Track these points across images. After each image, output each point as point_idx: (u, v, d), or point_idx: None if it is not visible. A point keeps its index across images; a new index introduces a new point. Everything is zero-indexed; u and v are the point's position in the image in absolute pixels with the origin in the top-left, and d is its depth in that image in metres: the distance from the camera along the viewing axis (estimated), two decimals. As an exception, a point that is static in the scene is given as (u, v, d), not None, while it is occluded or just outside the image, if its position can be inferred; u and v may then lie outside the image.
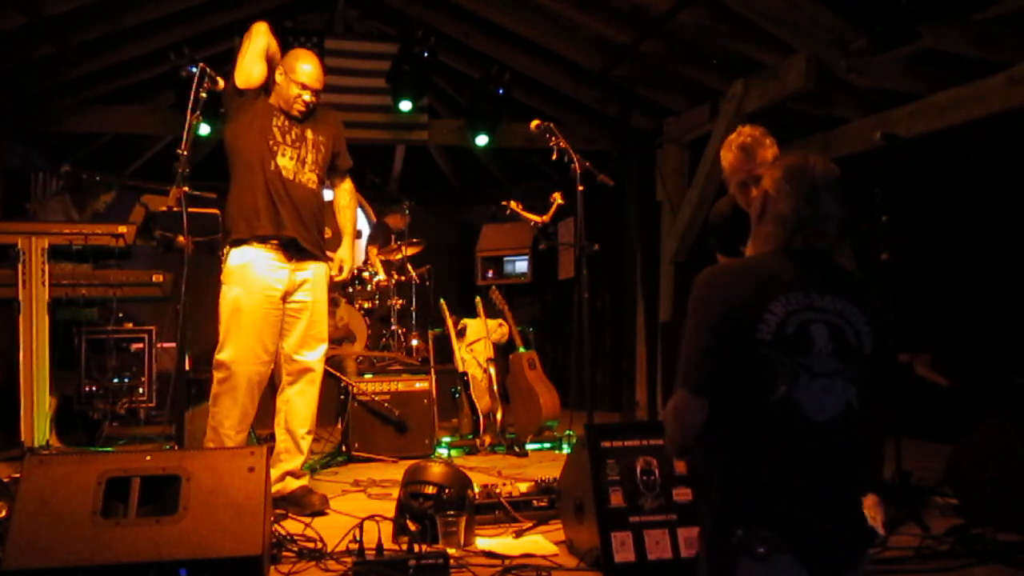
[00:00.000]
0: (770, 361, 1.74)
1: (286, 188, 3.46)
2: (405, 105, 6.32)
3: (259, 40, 3.51)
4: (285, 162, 3.47)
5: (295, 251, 3.49)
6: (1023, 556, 2.71)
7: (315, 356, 3.56)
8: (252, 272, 3.41)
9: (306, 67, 3.50)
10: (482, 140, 6.67)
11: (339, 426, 5.04)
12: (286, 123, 3.52)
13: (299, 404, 3.54)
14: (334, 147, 3.69)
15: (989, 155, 4.82)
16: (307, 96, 3.50)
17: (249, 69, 3.48)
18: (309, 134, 3.56)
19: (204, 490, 2.39)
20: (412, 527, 2.79)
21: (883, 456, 3.20)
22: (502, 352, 5.83)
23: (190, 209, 3.08)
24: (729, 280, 1.85)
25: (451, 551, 2.69)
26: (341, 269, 3.74)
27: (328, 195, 3.85)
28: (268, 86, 3.56)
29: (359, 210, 8.74)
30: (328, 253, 3.72)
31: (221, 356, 3.39)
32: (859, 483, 1.84)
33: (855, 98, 5.18)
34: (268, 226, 3.42)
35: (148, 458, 2.51)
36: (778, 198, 1.91)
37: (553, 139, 4.04)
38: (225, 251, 3.47)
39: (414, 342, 6.52)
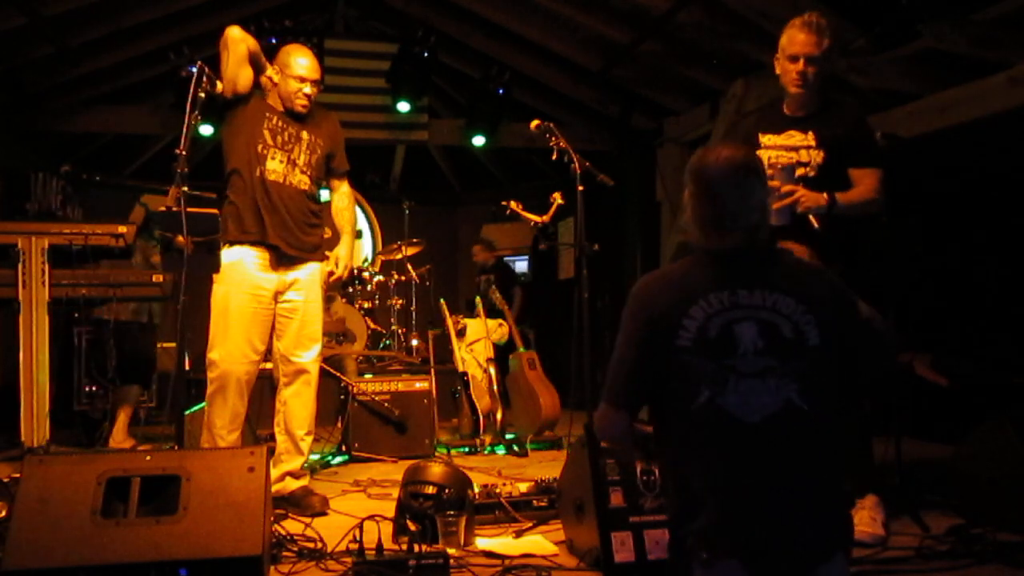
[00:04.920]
0: (691, 368, 1.70)
1: (275, 193, 3.44)
2: (403, 106, 6.32)
3: (238, 48, 3.43)
4: (275, 165, 3.46)
5: (281, 257, 3.49)
6: (1023, 556, 2.71)
7: (309, 356, 3.56)
8: (241, 271, 3.42)
9: (302, 60, 3.48)
10: (479, 141, 6.68)
11: (339, 426, 5.04)
12: (280, 123, 3.49)
13: (296, 406, 3.54)
14: (331, 148, 3.66)
15: (989, 155, 4.82)
16: (307, 88, 3.48)
17: (234, 78, 3.42)
18: (304, 135, 3.54)
19: (204, 490, 2.39)
20: (412, 527, 2.79)
21: (871, 454, 3.18)
22: (502, 352, 5.84)
23: (189, 209, 3.07)
24: (651, 291, 1.82)
25: (451, 551, 2.69)
26: (337, 268, 3.69)
27: (325, 195, 3.84)
28: (262, 86, 3.54)
29: (359, 211, 8.80)
30: (327, 252, 3.72)
31: (211, 355, 3.41)
32: (815, 483, 1.72)
33: (855, 98, 5.18)
34: (254, 232, 3.44)
35: (148, 458, 2.51)
36: (689, 201, 1.88)
37: (553, 139, 4.04)
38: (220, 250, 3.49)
39: (414, 342, 6.53)
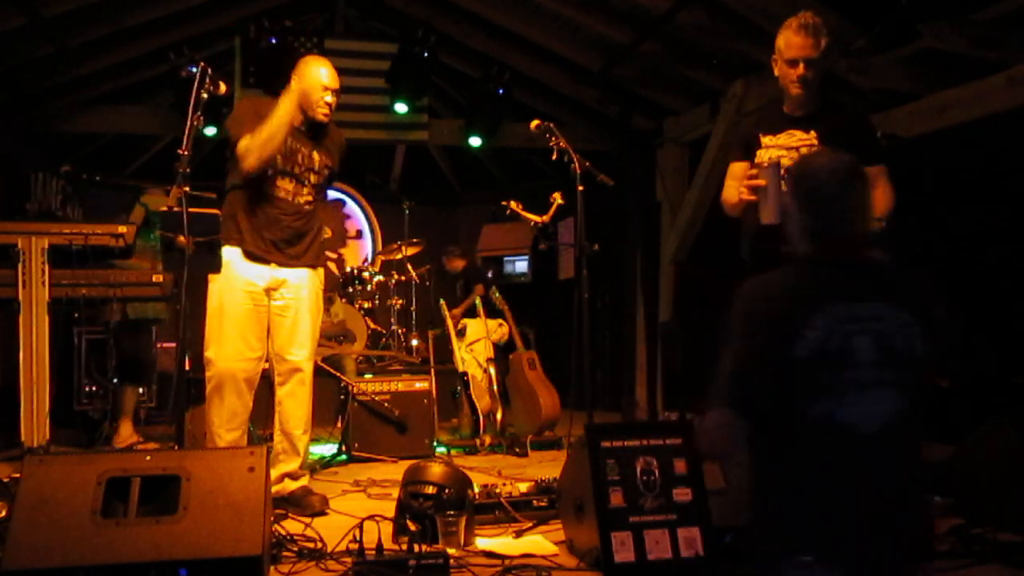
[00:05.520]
0: (810, 378, 1.72)
1: (280, 209, 3.48)
2: (401, 107, 6.32)
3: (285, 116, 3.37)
4: (284, 183, 3.49)
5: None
6: (1023, 556, 2.72)
7: (303, 355, 3.56)
8: (234, 269, 3.44)
9: (322, 69, 3.50)
10: (476, 141, 6.67)
11: (339, 426, 5.04)
12: (293, 144, 3.48)
13: (291, 405, 3.55)
14: (335, 167, 3.70)
15: (989, 155, 4.81)
16: (328, 96, 3.49)
17: (268, 152, 3.33)
18: (316, 155, 3.56)
19: (204, 490, 2.39)
20: (412, 527, 2.79)
21: None
22: (502, 352, 5.84)
23: (190, 209, 3.07)
24: (762, 298, 1.82)
25: (451, 551, 2.69)
26: None
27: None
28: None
29: (359, 210, 8.80)
30: (327, 252, 3.73)
31: (207, 354, 3.44)
32: (915, 491, 1.79)
33: (855, 98, 5.18)
34: (251, 246, 3.46)
35: (148, 458, 2.51)
36: (792, 212, 1.89)
37: (553, 139, 4.03)
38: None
39: (414, 342, 6.53)
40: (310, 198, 3.58)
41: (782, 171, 3.00)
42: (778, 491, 1.78)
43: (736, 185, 3.13)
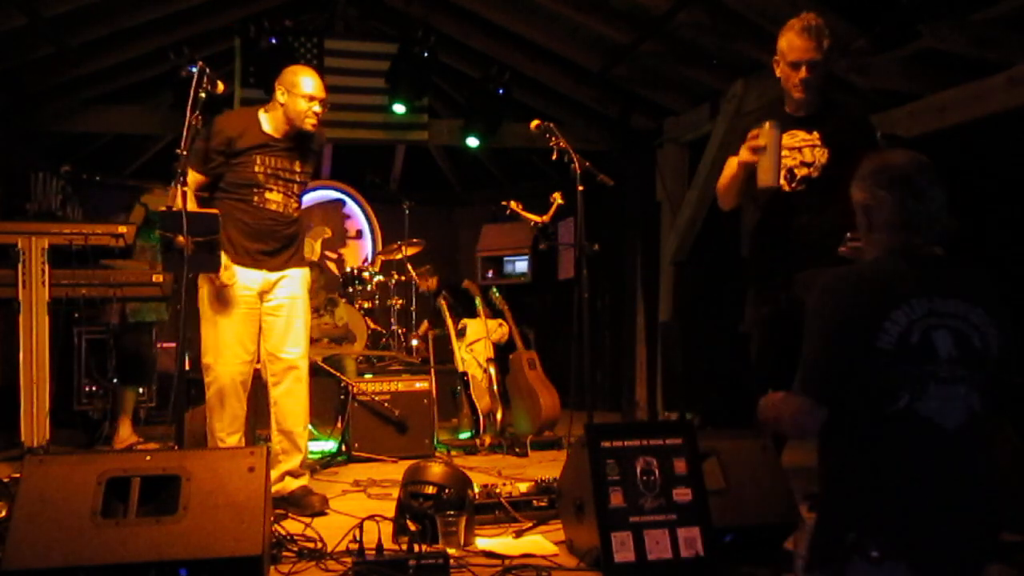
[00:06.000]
0: (892, 371, 1.73)
1: (270, 220, 3.50)
2: (399, 108, 6.31)
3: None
4: (274, 196, 3.51)
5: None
6: (1023, 556, 2.71)
7: (298, 352, 3.57)
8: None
9: (309, 79, 3.48)
10: (473, 142, 6.67)
11: (339, 426, 5.04)
12: (274, 163, 3.49)
13: (289, 403, 3.55)
14: (311, 172, 3.73)
15: (989, 155, 4.81)
16: (316, 107, 3.48)
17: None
18: (297, 166, 3.58)
19: (204, 490, 2.39)
20: (412, 527, 2.79)
21: None
22: (502, 352, 5.83)
23: (190, 209, 3.07)
24: (849, 288, 1.84)
25: (451, 551, 2.69)
26: None
27: (318, 197, 3.86)
28: (270, 95, 3.54)
29: (359, 210, 8.81)
30: (327, 252, 3.74)
31: (206, 360, 3.46)
32: (986, 493, 1.79)
33: (855, 98, 5.18)
34: (241, 255, 3.47)
35: (148, 458, 2.51)
36: (880, 206, 1.89)
37: (553, 139, 4.03)
38: None
39: (414, 342, 6.53)
40: (296, 204, 3.62)
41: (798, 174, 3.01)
42: (851, 482, 1.79)
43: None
